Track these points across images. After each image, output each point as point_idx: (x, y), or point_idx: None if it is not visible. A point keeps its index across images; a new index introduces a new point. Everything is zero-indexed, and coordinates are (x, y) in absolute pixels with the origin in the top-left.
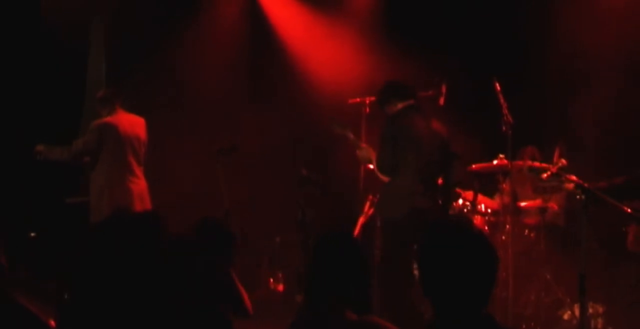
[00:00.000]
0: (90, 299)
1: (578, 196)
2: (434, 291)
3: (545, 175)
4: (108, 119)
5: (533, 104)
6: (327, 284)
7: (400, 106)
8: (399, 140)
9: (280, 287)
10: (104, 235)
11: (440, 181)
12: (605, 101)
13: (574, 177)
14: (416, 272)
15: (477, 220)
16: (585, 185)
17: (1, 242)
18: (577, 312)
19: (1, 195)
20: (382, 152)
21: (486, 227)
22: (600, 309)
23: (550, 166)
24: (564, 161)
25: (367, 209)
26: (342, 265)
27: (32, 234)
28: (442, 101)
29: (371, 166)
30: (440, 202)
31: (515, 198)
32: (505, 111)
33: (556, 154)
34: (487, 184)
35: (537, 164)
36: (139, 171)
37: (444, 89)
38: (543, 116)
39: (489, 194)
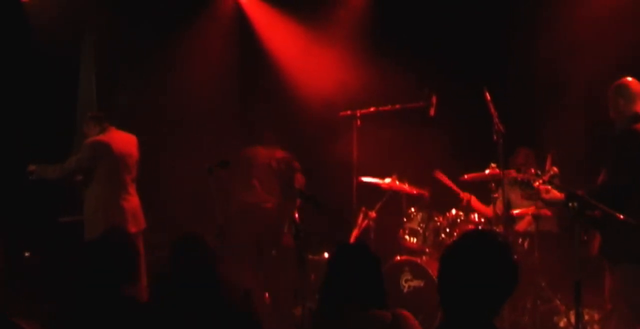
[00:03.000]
0: (85, 317)
1: (570, 204)
2: (450, 297)
3: (537, 183)
4: (101, 137)
5: (523, 110)
6: (346, 292)
7: None
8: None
9: None
10: (98, 252)
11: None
12: (596, 103)
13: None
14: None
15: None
16: (578, 192)
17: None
18: (573, 319)
19: None
20: None
21: None
22: (596, 316)
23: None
24: (555, 168)
25: (361, 221)
26: (362, 274)
27: (27, 254)
28: (432, 111)
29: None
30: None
31: (509, 207)
32: (496, 120)
33: (548, 161)
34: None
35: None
36: (132, 188)
37: (434, 100)
38: (534, 122)
39: (484, 202)
